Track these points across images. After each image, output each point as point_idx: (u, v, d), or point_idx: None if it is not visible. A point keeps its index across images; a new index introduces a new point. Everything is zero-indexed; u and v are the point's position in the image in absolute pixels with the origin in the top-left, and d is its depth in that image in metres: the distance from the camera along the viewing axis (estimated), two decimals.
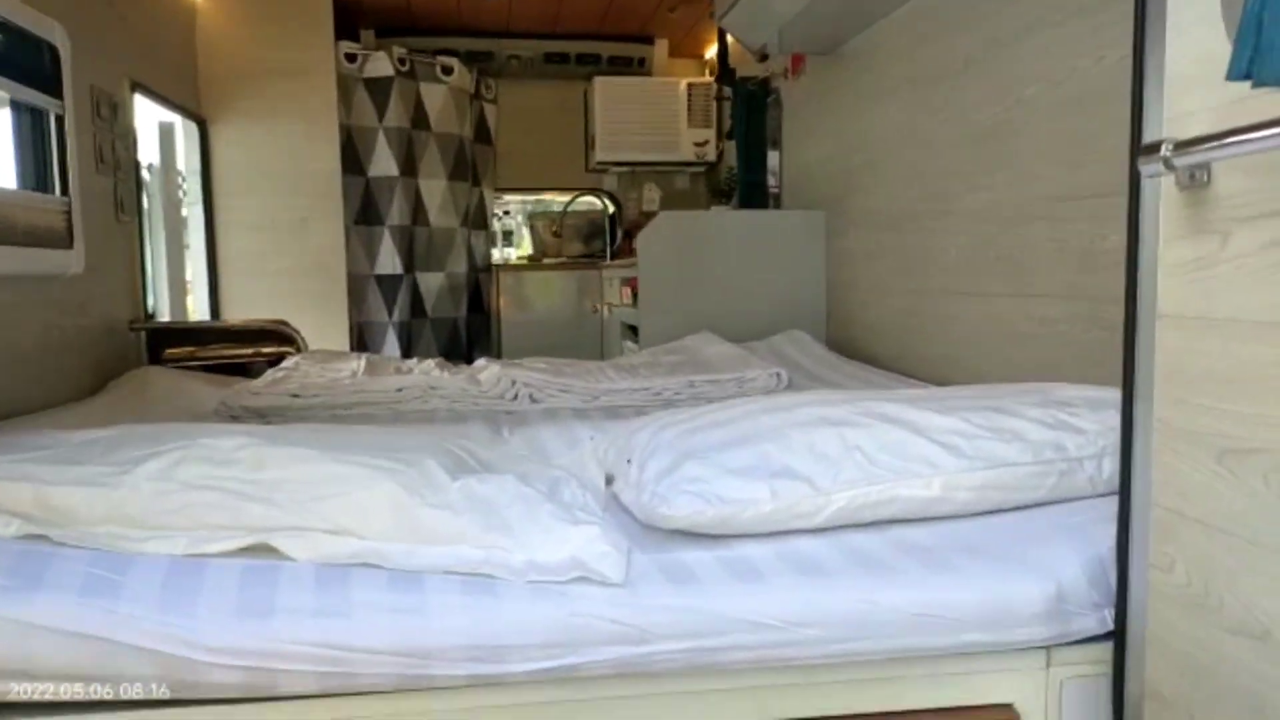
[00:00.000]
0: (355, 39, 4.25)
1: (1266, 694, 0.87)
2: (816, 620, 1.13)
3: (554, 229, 5.07)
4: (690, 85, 4.75)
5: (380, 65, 4.21)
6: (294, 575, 1.12)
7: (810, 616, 1.13)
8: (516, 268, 5.07)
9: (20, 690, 1.00)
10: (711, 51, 4.73)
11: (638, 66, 4.88)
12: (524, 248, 5.37)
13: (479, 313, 4.82)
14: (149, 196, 3.57)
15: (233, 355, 3.19)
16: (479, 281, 4.81)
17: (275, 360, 3.07)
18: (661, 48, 4.86)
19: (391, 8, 4.26)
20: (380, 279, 4.30)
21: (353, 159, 4.18)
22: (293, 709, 1.06)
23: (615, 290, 4.27)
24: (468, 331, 4.73)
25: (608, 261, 4.75)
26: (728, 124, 4.43)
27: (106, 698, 1.01)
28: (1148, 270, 1.02)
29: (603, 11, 4.42)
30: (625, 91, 4.71)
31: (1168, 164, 0.89)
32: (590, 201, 5.14)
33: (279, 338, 3.22)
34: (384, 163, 4.24)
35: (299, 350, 3.19)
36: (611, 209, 5.13)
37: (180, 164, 3.84)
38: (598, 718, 1.14)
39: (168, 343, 3.17)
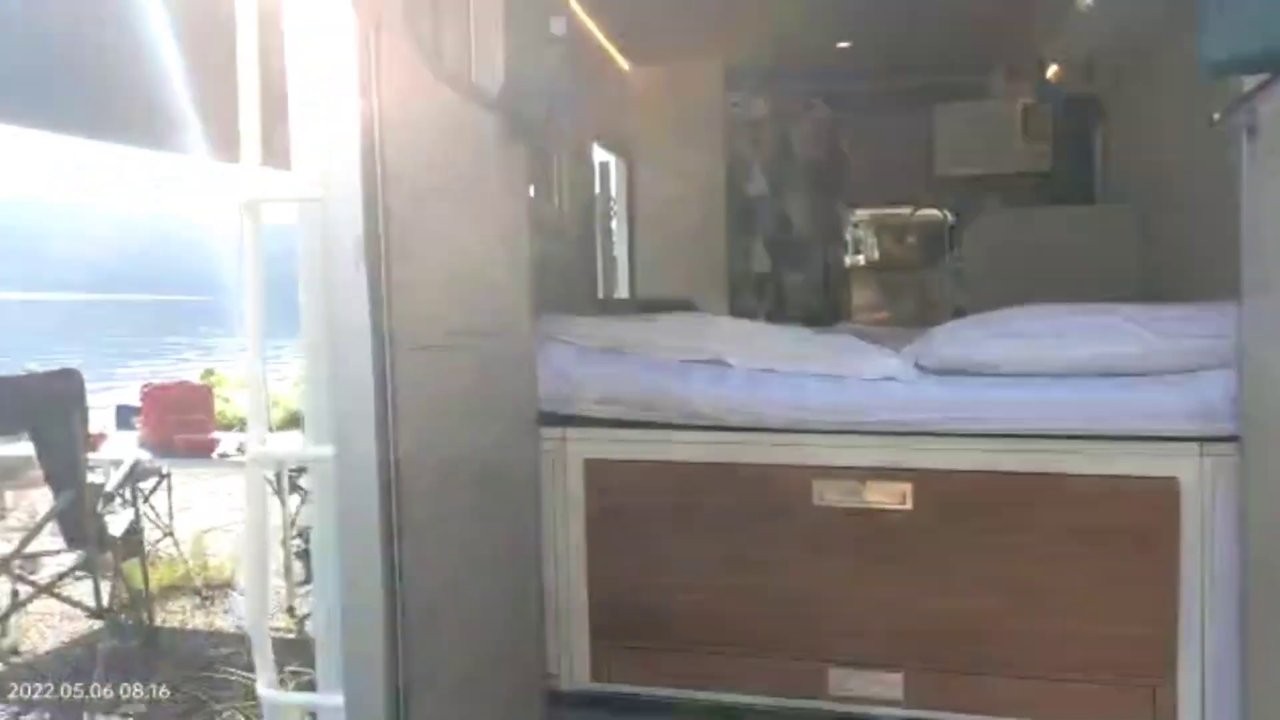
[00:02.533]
0: (737, 88, 5.41)
1: None
2: (1037, 402, 1.90)
3: (899, 238, 5.86)
4: (1025, 105, 5.30)
5: (758, 107, 5.33)
6: (735, 372, 2.11)
7: (1034, 400, 1.91)
8: (866, 270, 5.92)
9: (615, 410, 2.08)
10: (1048, 71, 5.25)
11: (976, 91, 5.52)
12: (873, 254, 6.21)
13: (833, 309, 5.72)
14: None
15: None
16: (834, 282, 5.72)
17: None
18: (998, 73, 5.46)
19: (766, 61, 5.35)
20: (754, 276, 5.40)
21: (735, 182, 5.33)
22: (736, 435, 2.04)
23: (950, 288, 4.96)
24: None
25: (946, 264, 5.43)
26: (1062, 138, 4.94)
27: (650, 419, 2.07)
28: None
29: (945, 47, 5.15)
30: (965, 114, 5.38)
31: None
32: (931, 213, 5.86)
33: (685, 309, 4.36)
34: (758, 184, 5.35)
35: None
36: (951, 219, 5.80)
37: (613, 190, 5.22)
38: (904, 451, 1.99)
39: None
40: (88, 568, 3.27)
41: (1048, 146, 5.30)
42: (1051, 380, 1.98)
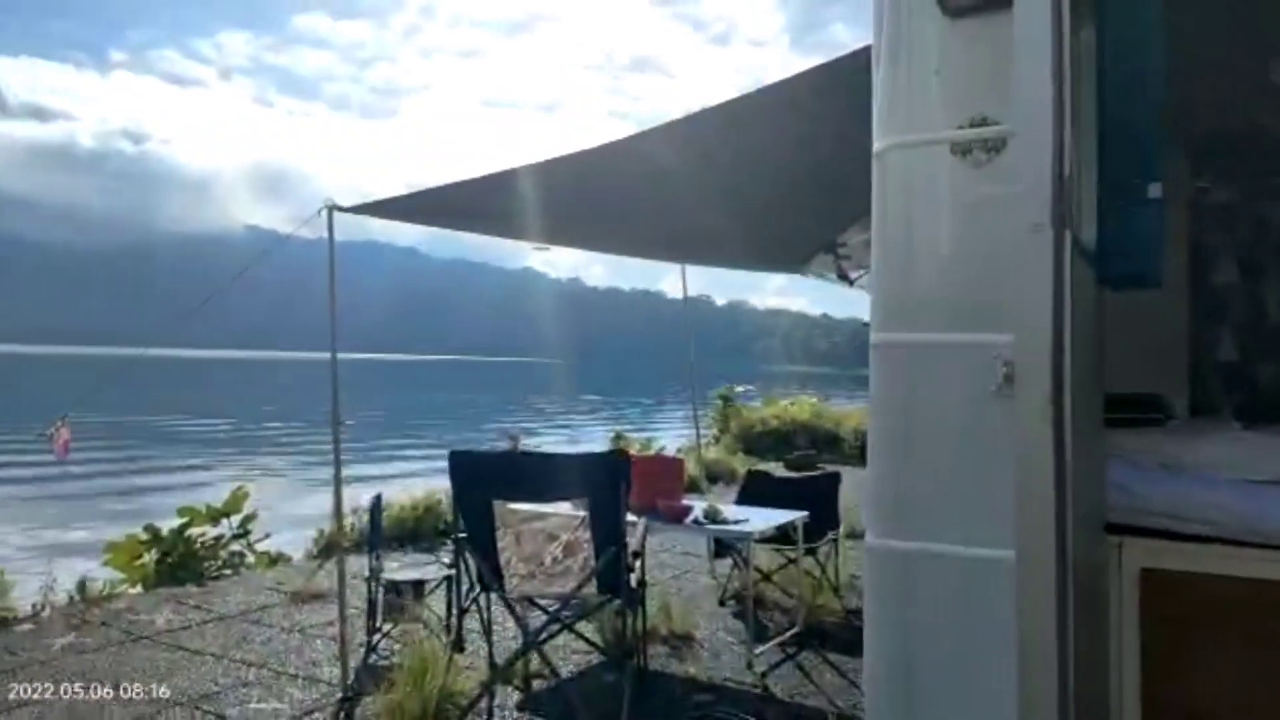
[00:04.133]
0: (1204, 170, 5.16)
1: None
2: None
3: None
4: None
5: (1227, 190, 5.04)
6: None
7: None
8: None
9: (1172, 524, 2.18)
10: None
11: None
12: None
13: None
14: None
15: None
16: None
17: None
18: None
19: (1239, 142, 5.06)
20: (1220, 367, 5.05)
21: (1198, 268, 5.06)
22: None
23: None
24: None
25: None
26: None
27: (1210, 534, 2.14)
28: None
29: None
30: None
31: None
32: None
33: (1153, 405, 4.22)
34: (1228, 270, 5.03)
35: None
36: None
37: None
38: None
39: None
40: (617, 614, 3.93)
41: None
42: None
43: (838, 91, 3.31)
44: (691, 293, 7.17)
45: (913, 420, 2.24)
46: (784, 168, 3.90)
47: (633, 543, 4.12)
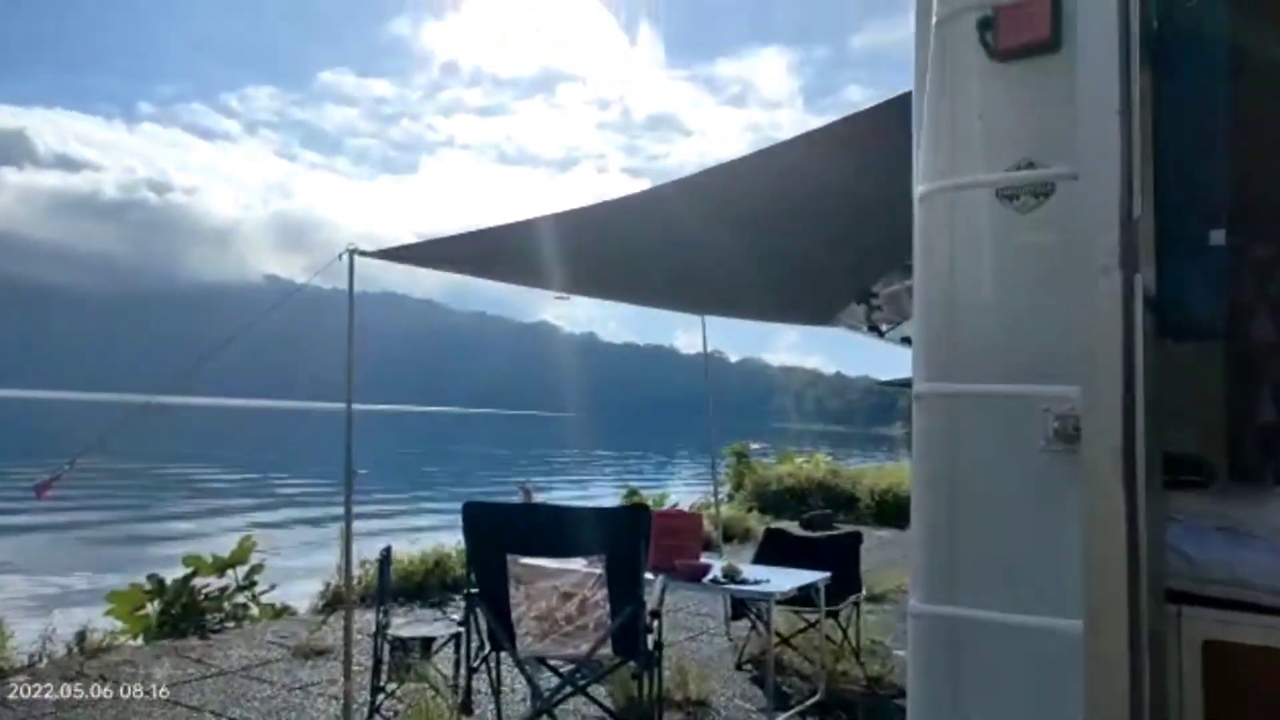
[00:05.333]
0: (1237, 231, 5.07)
1: None
2: None
3: None
4: None
5: (1261, 248, 4.94)
6: None
7: None
8: None
9: (1235, 593, 2.03)
10: None
11: None
12: None
13: None
14: None
15: None
16: None
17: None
18: None
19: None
20: (1260, 428, 4.88)
21: (1235, 327, 4.94)
22: None
23: None
24: None
25: None
26: None
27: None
28: None
29: None
30: None
31: None
32: None
33: (1196, 468, 4.07)
34: (1264, 328, 4.90)
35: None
36: None
37: None
38: None
39: None
40: (632, 676, 3.76)
41: None
42: None
43: (867, 142, 3.26)
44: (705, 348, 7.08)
45: (958, 476, 2.12)
46: (814, 219, 3.84)
47: (650, 601, 3.97)
